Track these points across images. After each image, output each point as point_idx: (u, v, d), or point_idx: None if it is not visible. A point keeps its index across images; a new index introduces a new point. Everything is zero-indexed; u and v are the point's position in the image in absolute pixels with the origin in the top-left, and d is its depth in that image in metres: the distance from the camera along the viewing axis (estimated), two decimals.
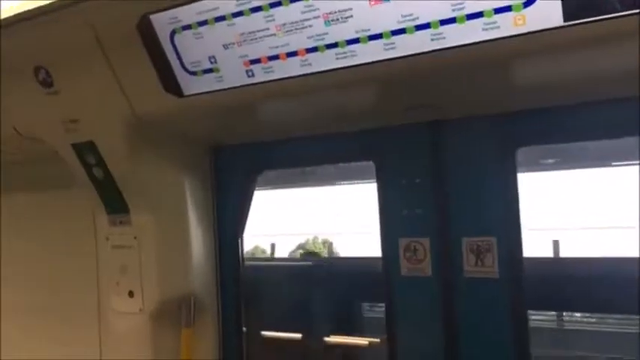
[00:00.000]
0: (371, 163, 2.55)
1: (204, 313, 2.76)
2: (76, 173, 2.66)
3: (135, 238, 2.60)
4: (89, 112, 2.47)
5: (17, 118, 2.68)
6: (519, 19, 1.67)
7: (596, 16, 1.60)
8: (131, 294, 2.63)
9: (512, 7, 1.66)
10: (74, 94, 2.45)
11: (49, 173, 3.09)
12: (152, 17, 2.11)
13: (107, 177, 2.57)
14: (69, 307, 3.08)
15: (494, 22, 1.69)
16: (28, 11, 2.18)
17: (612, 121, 2.14)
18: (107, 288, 2.75)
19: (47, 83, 2.47)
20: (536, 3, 1.62)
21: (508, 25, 1.69)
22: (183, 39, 2.13)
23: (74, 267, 3.05)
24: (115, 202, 2.63)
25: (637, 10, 1.55)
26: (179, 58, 2.19)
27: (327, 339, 5.48)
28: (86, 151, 2.55)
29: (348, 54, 1.92)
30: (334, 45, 1.92)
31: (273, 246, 8.63)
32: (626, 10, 1.56)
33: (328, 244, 10.03)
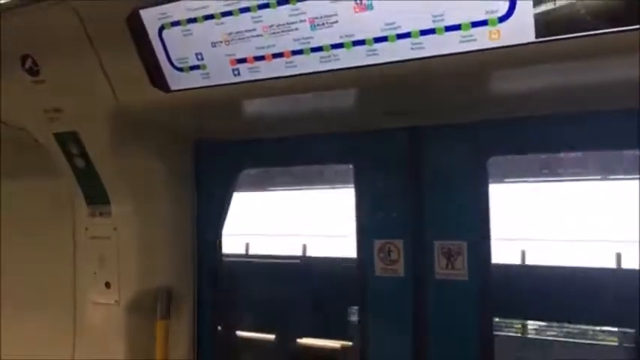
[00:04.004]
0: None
1: (180, 307, 2.79)
2: (58, 163, 2.67)
3: (114, 229, 2.62)
4: (74, 103, 2.49)
5: (1, 106, 2.68)
6: (494, 34, 1.76)
7: (566, 33, 1.70)
8: (108, 285, 2.65)
9: (488, 22, 1.75)
10: (60, 83, 2.48)
11: (27, 162, 3.09)
12: (142, 12, 2.15)
13: (89, 168, 2.59)
14: (44, 296, 3.08)
15: (471, 35, 1.78)
16: (19, 0, 2.20)
17: (582, 133, 2.26)
18: (84, 278, 2.76)
19: (33, 72, 2.49)
20: (510, 19, 1.72)
21: (484, 39, 1.78)
22: (172, 35, 2.18)
23: (51, 256, 3.05)
24: (95, 193, 2.65)
25: (604, 30, 1.65)
26: (167, 53, 2.24)
27: (299, 341, 5.52)
28: (69, 141, 2.57)
29: (332, 58, 1.99)
30: (319, 49, 1.99)
31: None
32: (596, 30, 1.66)
33: None
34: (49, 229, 3.10)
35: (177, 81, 2.28)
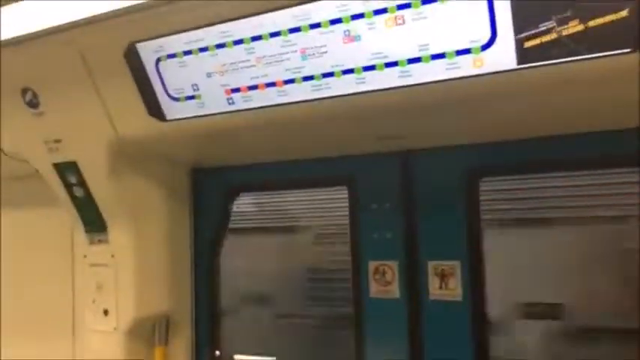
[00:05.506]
0: None
1: (178, 333, 2.81)
2: (57, 192, 2.71)
3: (112, 256, 2.65)
4: (73, 133, 2.55)
5: (3, 138, 2.74)
6: (478, 61, 1.83)
7: (547, 60, 1.77)
8: (106, 312, 2.67)
9: (472, 50, 1.83)
10: (59, 115, 2.53)
11: (26, 191, 3.13)
12: (139, 45, 2.22)
13: (87, 196, 2.63)
14: (44, 324, 3.09)
15: (456, 63, 1.86)
16: (19, 36, 2.27)
17: (570, 154, 2.32)
18: (83, 306, 2.77)
19: (33, 104, 2.55)
20: (492, 47, 1.79)
21: (468, 66, 1.85)
22: (168, 67, 2.25)
23: (50, 284, 3.07)
24: (94, 221, 2.69)
25: (584, 56, 1.72)
26: (163, 84, 2.30)
27: None
28: (68, 170, 2.61)
29: (323, 86, 2.06)
30: (310, 77, 2.06)
31: None
32: (577, 56, 1.73)
33: None
34: (48, 257, 3.13)
35: (173, 111, 2.35)
